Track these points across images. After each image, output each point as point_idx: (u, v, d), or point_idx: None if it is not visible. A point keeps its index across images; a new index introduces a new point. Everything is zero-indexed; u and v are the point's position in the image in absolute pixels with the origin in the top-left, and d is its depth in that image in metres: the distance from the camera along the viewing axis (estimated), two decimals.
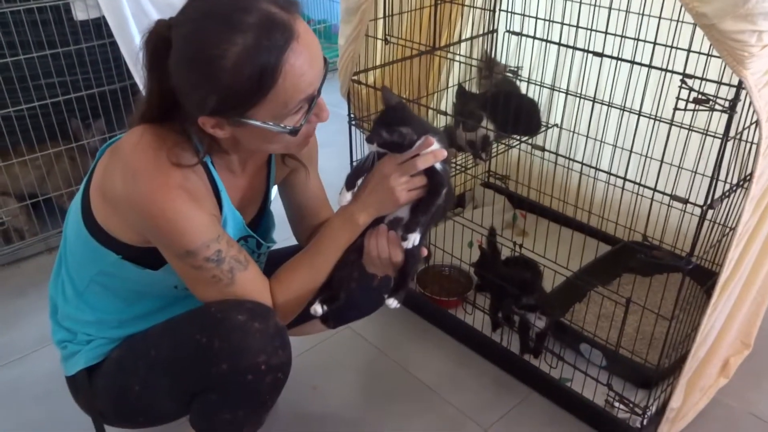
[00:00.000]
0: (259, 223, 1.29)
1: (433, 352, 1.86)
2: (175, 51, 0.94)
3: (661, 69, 1.40)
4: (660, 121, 1.46)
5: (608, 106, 1.56)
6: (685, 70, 1.24)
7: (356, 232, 1.15)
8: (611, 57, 1.50)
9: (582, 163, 1.46)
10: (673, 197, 1.26)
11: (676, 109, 1.19)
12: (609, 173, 1.42)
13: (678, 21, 1.39)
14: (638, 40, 1.43)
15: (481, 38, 2.05)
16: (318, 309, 1.17)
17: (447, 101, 2.11)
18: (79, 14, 1.97)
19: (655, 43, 1.35)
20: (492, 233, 1.94)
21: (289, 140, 1.03)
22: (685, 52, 1.28)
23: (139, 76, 2.09)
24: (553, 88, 1.79)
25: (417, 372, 1.79)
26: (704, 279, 1.45)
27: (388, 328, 1.94)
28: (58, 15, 2.00)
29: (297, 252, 1.20)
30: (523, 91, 2.02)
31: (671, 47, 1.32)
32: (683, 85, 1.15)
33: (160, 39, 0.96)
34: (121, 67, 2.18)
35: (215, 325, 1.05)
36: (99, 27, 2.08)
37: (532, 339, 1.75)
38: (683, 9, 1.07)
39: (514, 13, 1.80)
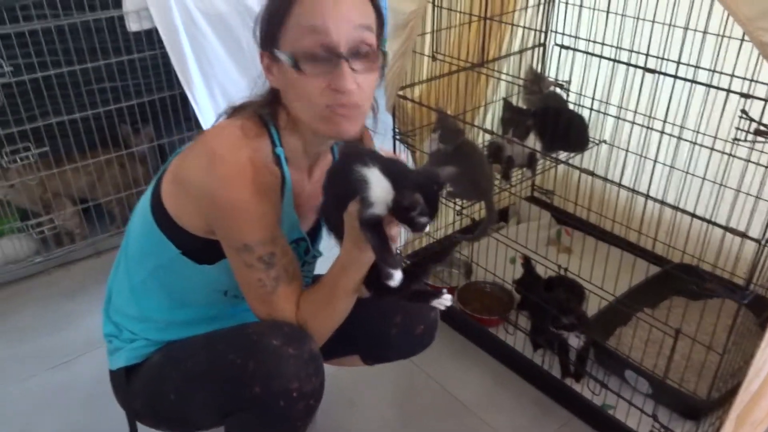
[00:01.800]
0: (314, 233, 1.30)
1: (472, 371, 1.84)
2: None
3: (719, 88, 1.35)
4: (716, 151, 1.40)
5: (661, 132, 1.51)
6: (748, 92, 1.19)
7: (365, 267, 1.09)
8: (665, 74, 1.45)
9: (633, 191, 1.42)
10: (729, 230, 1.21)
11: (735, 140, 1.14)
12: (661, 202, 1.37)
13: (741, 40, 1.33)
14: (697, 67, 1.38)
15: (529, 52, 2.02)
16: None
17: (493, 116, 2.08)
18: (133, 25, 2.01)
19: (713, 71, 1.30)
20: (527, 261, 1.90)
21: (311, 97, 1.02)
22: (746, 77, 1.22)
23: (187, 84, 2.13)
24: (605, 112, 1.74)
25: (454, 390, 1.77)
26: (760, 307, 1.39)
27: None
28: (112, 24, 2.05)
29: None
30: (571, 106, 1.98)
31: (731, 75, 1.27)
32: (743, 116, 1.10)
33: None
34: (171, 74, 2.21)
35: (250, 347, 1.06)
36: (150, 36, 2.12)
37: (572, 362, 1.71)
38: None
39: (565, 35, 1.76)
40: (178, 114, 2.33)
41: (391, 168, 0.96)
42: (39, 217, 2.16)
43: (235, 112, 1.14)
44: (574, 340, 1.66)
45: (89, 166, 2.21)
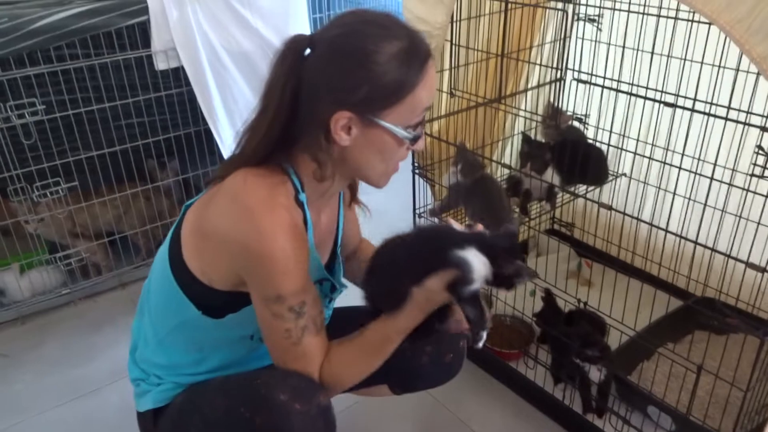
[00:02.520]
0: (332, 267, 1.31)
1: (493, 405, 1.83)
2: (323, 50, 1.01)
3: (736, 122, 1.35)
4: (735, 186, 1.40)
5: (679, 168, 1.52)
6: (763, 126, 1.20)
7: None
8: (683, 108, 1.46)
9: (651, 225, 1.42)
10: (750, 265, 1.21)
11: (752, 175, 1.14)
12: (680, 236, 1.37)
13: (757, 74, 1.34)
14: (712, 103, 1.40)
15: (547, 86, 2.04)
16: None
17: (511, 150, 2.11)
18: (160, 64, 2.08)
19: (728, 107, 1.30)
20: (549, 295, 1.90)
21: (392, 158, 1.08)
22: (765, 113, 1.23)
23: (212, 120, 2.19)
24: (624, 148, 1.75)
25: (474, 424, 1.76)
26: None
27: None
28: (141, 63, 2.12)
29: (360, 314, 1.19)
30: (589, 139, 2.00)
31: (747, 112, 1.28)
32: (760, 151, 1.10)
33: (302, 45, 1.02)
34: (195, 110, 2.27)
35: (259, 401, 1.06)
36: (177, 73, 2.18)
37: (594, 397, 1.69)
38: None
39: (582, 73, 1.79)
40: (202, 148, 2.38)
41: (482, 244, 1.04)
42: (67, 250, 2.22)
43: (243, 159, 1.09)
44: (596, 374, 1.65)
45: (116, 199, 2.26)
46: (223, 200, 1.07)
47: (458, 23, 1.67)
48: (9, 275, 2.17)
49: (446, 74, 1.75)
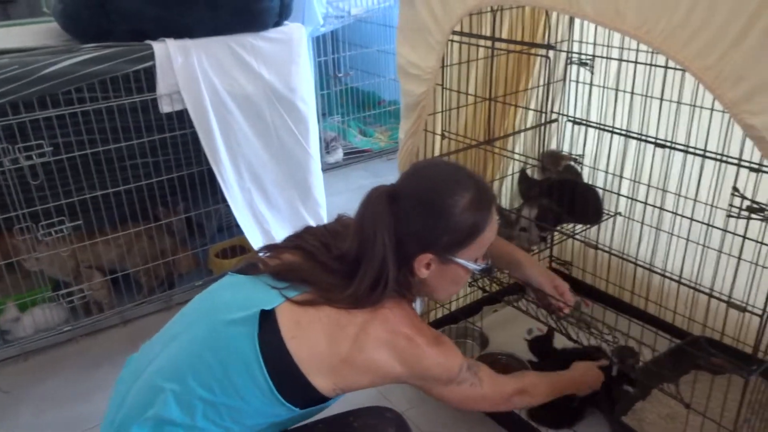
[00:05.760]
0: None
1: None
2: (408, 203, 1.19)
3: (729, 163, 1.37)
4: (713, 227, 1.42)
5: (673, 213, 1.54)
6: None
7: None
8: (675, 149, 1.48)
9: (635, 263, 1.43)
10: (730, 304, 1.22)
11: (729, 216, 1.16)
12: (664, 275, 1.38)
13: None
14: (705, 152, 1.41)
15: (539, 128, 2.08)
16: None
17: (506, 190, 2.13)
18: (165, 107, 2.14)
19: (704, 155, 1.32)
20: (549, 336, 1.91)
21: (460, 284, 1.30)
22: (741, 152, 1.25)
23: (215, 162, 2.23)
24: (618, 193, 1.77)
25: None
26: None
27: (438, 416, 1.90)
28: (146, 106, 2.18)
29: None
30: (585, 178, 2.02)
31: (721, 160, 1.30)
32: (735, 193, 1.12)
33: (388, 197, 1.19)
34: (199, 151, 2.32)
35: None
36: (181, 116, 2.24)
37: None
38: None
39: (571, 117, 1.81)
40: (205, 188, 2.43)
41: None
42: (70, 287, 2.25)
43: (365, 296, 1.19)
44: None
45: (119, 238, 2.30)
46: (367, 336, 1.16)
47: (449, 68, 1.72)
48: (10, 315, 2.20)
49: (438, 117, 1.79)
